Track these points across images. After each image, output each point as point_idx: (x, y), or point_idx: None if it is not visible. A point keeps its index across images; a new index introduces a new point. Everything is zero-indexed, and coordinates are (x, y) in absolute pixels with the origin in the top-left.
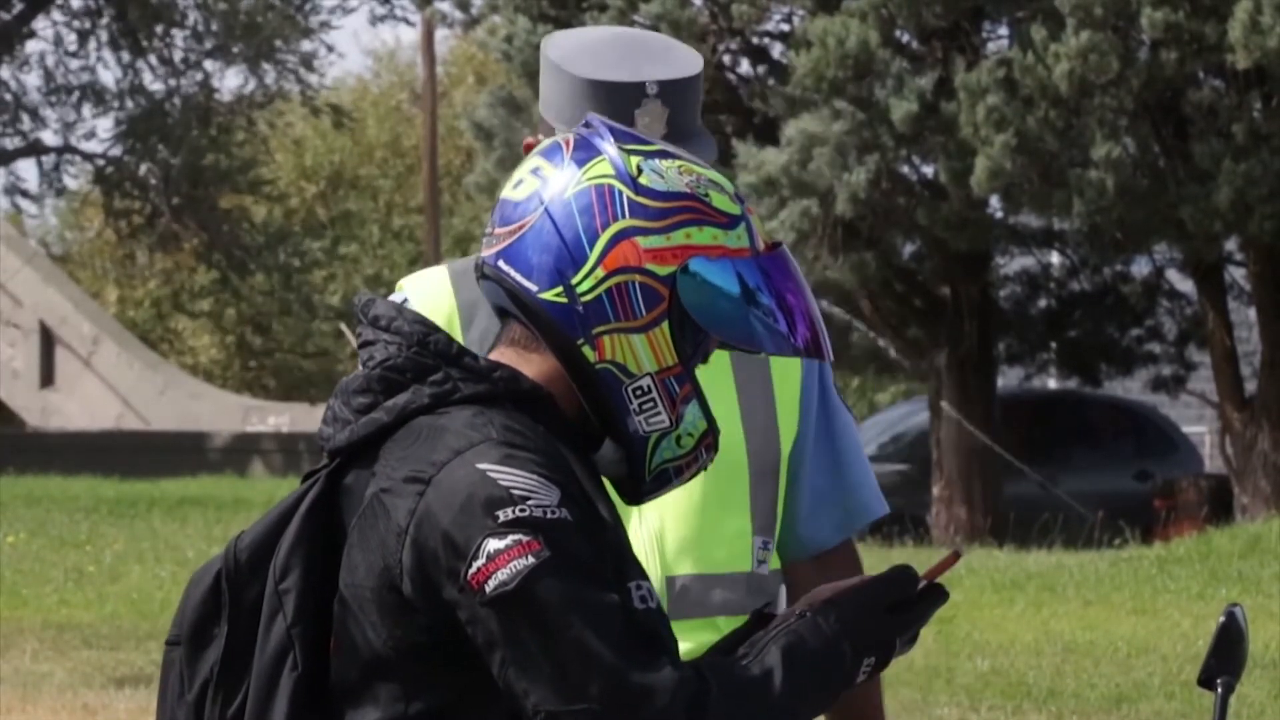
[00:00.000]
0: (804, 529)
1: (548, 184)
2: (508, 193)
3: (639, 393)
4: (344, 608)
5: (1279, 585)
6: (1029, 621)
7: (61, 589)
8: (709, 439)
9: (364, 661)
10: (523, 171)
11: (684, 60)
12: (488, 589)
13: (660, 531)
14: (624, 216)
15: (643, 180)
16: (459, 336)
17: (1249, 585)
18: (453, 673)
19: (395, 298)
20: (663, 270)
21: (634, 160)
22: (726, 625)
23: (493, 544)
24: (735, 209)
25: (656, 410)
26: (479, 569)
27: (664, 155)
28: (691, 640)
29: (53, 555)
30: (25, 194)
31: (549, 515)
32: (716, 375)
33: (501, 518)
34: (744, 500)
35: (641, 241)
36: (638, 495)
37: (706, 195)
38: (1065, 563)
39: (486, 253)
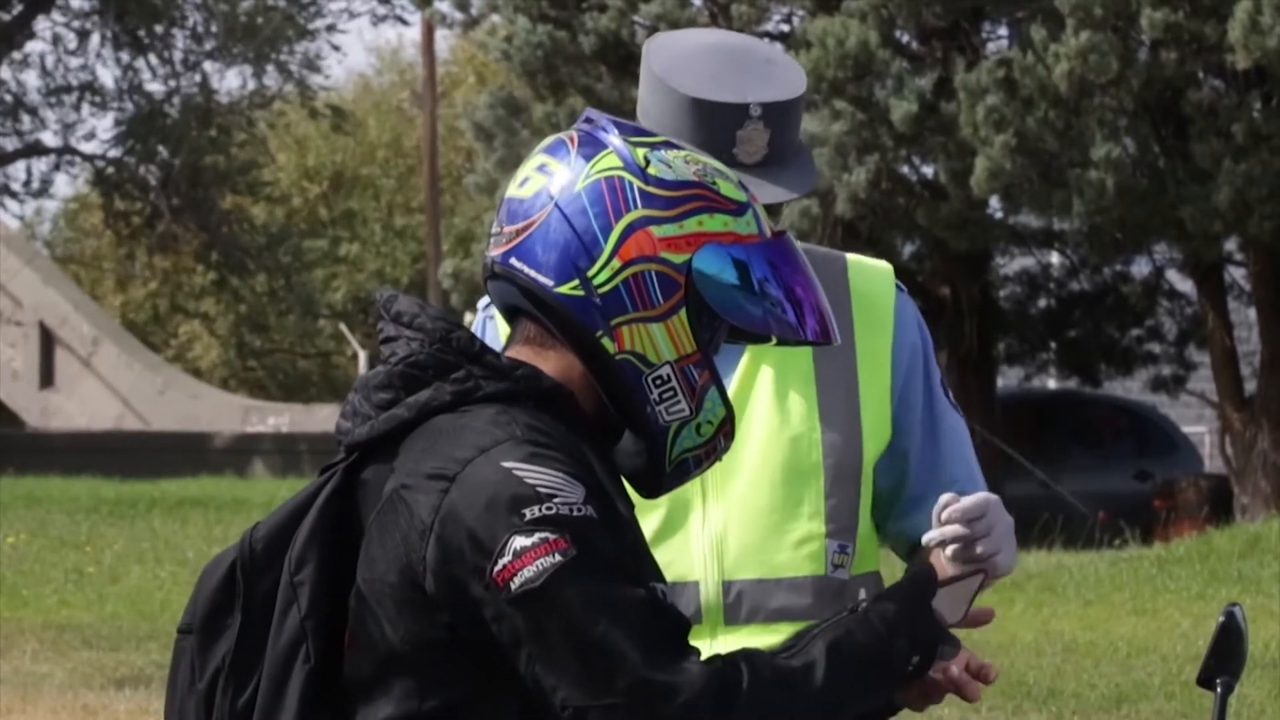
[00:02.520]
0: (901, 523)
1: (555, 180)
2: (514, 191)
3: (659, 382)
4: (361, 602)
5: (1279, 585)
6: (1029, 621)
7: (61, 589)
8: (727, 426)
9: (379, 656)
10: (528, 169)
11: (787, 79)
12: (513, 586)
13: (722, 535)
14: (636, 207)
15: (651, 170)
16: None
17: (1249, 585)
18: (468, 669)
19: (482, 300)
20: (678, 258)
21: (640, 151)
22: (786, 630)
23: (519, 541)
24: (742, 196)
25: (676, 399)
26: (505, 566)
27: (669, 146)
28: (749, 645)
29: (53, 556)
30: (14, 195)
31: (575, 513)
32: (796, 377)
33: (528, 515)
34: (818, 504)
35: (655, 231)
36: (657, 488)
37: (714, 183)
38: (1065, 563)
39: (494, 252)
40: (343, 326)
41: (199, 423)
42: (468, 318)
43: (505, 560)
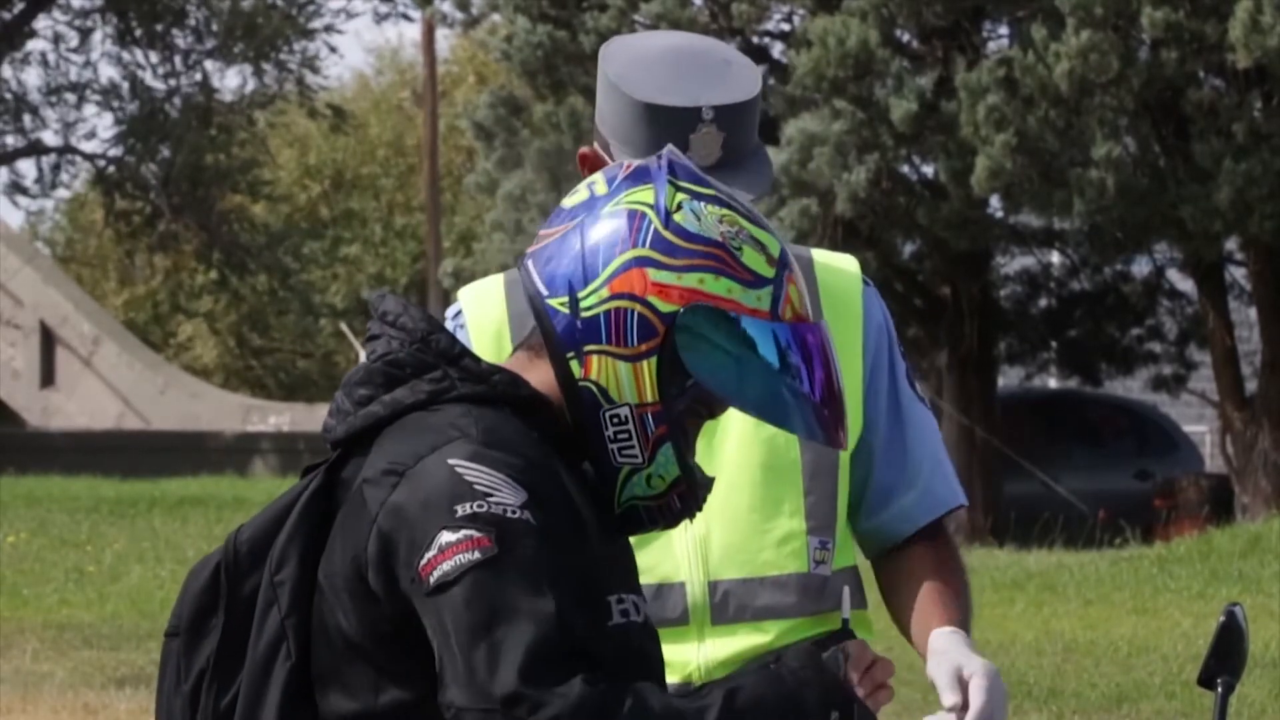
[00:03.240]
0: (870, 522)
1: (595, 198)
2: (565, 200)
3: (615, 420)
4: (321, 596)
5: (1279, 584)
6: (1029, 621)
7: (62, 589)
8: (681, 488)
9: (336, 651)
10: (584, 182)
11: (741, 81)
12: (431, 580)
13: (705, 536)
14: (643, 245)
15: (677, 217)
16: (508, 347)
17: (1249, 585)
18: (421, 664)
19: (451, 309)
20: (664, 306)
21: (679, 197)
22: (774, 628)
23: (446, 536)
24: (767, 271)
25: (631, 443)
26: (429, 560)
27: (716, 202)
28: (737, 644)
29: (53, 555)
30: (24, 191)
31: (508, 514)
32: None
33: (459, 512)
34: (797, 501)
35: (651, 273)
36: (608, 525)
37: (739, 249)
38: (1066, 562)
39: (528, 250)
40: (344, 326)
41: (200, 422)
42: None
43: (430, 554)
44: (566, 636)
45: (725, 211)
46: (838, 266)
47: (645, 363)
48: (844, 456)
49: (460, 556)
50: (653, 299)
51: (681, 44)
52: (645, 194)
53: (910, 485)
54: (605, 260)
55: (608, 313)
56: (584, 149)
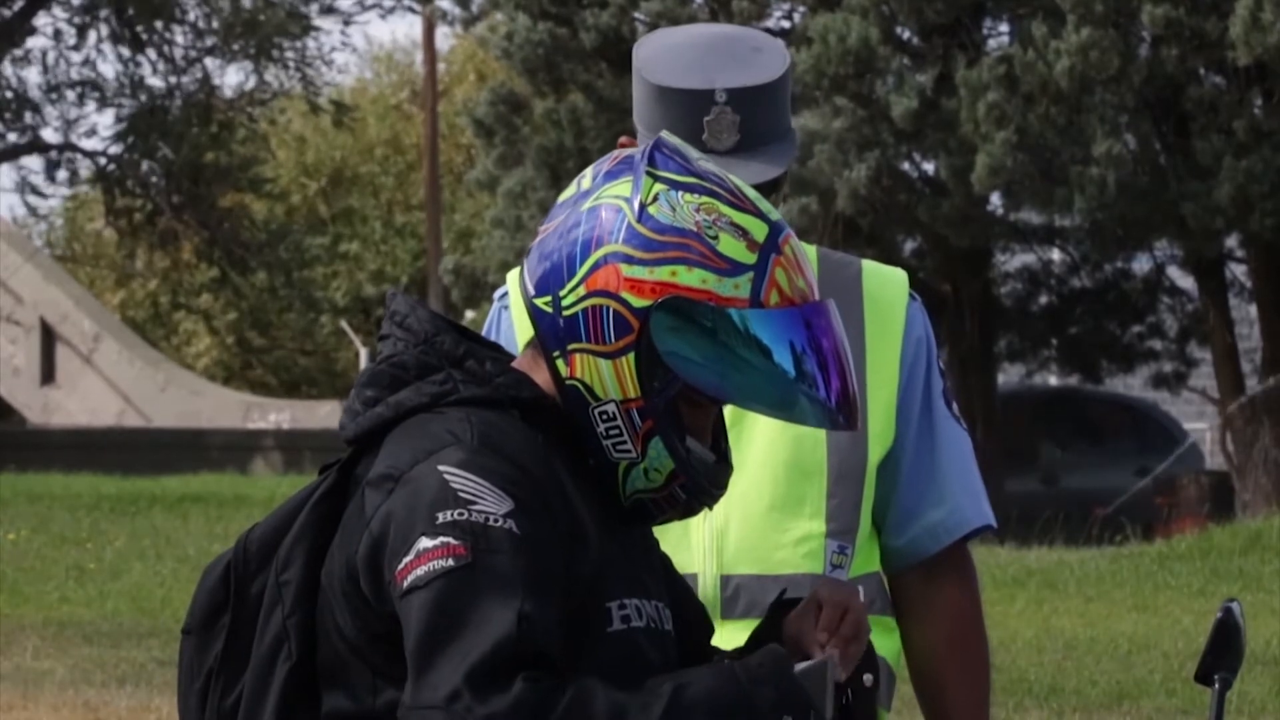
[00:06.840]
0: (895, 540)
1: (580, 194)
2: (563, 192)
3: (605, 417)
4: (323, 596)
5: (1279, 582)
6: (1030, 618)
7: (62, 586)
8: (680, 479)
9: (336, 650)
10: (579, 176)
11: (763, 65)
12: (404, 584)
13: (723, 529)
14: (617, 240)
15: (651, 209)
16: None
17: (1250, 582)
18: None
19: (498, 291)
20: (637, 302)
21: (656, 188)
22: None
23: (424, 542)
24: (747, 258)
25: (623, 438)
26: (405, 564)
27: (696, 190)
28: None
29: (54, 552)
30: (34, 189)
31: (489, 522)
32: None
33: (440, 519)
34: (819, 503)
35: (624, 269)
36: (619, 518)
37: (714, 238)
38: (1066, 559)
39: (530, 245)
40: (344, 324)
41: (200, 419)
42: (468, 315)
43: (407, 559)
44: (525, 645)
45: (704, 199)
46: (885, 277)
47: (624, 359)
48: (871, 464)
49: (434, 563)
50: (626, 295)
51: (713, 32)
52: (622, 187)
53: (937, 503)
54: (582, 257)
55: (585, 311)
56: (624, 137)
